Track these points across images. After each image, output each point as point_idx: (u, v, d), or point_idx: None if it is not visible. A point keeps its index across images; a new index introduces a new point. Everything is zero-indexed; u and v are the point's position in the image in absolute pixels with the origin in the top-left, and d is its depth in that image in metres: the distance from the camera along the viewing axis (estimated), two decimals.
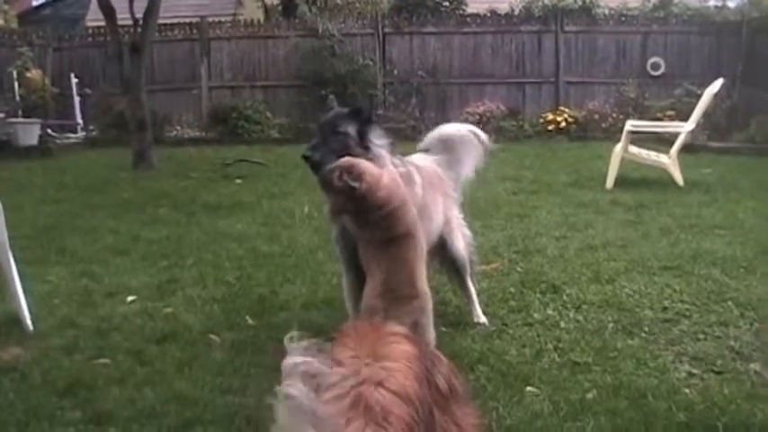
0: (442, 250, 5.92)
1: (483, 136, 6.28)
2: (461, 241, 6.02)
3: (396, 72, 20.44)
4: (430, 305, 4.69)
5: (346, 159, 4.67)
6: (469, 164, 6.19)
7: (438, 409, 2.59)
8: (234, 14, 24.54)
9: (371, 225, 4.64)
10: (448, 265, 6.07)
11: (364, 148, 4.98)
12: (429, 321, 4.63)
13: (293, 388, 2.15)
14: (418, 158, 5.84)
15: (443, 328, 5.67)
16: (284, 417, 2.12)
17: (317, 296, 6.62)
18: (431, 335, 4.63)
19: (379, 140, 5.10)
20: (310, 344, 2.34)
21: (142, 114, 15.04)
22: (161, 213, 10.41)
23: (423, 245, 4.82)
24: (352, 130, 5.01)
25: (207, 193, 11.87)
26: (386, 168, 4.92)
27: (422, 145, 6.18)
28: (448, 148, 6.12)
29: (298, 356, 2.27)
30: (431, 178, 5.65)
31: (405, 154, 5.79)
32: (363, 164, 4.64)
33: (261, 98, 20.30)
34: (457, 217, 6.07)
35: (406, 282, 4.58)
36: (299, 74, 20.21)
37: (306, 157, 5.02)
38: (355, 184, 4.48)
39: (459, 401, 2.76)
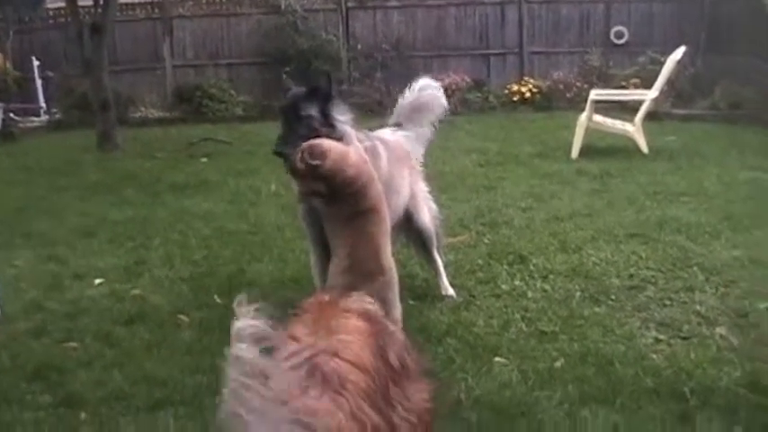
0: (408, 223, 5.94)
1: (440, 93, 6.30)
2: (427, 214, 6.04)
3: (360, 47, 20.36)
4: (395, 280, 4.71)
5: (308, 142, 4.68)
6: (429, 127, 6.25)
7: (392, 383, 2.61)
8: None
9: (338, 201, 4.65)
10: (414, 238, 6.10)
11: (330, 127, 4.98)
12: (395, 296, 4.65)
13: (243, 350, 2.17)
14: (385, 132, 5.85)
15: (411, 302, 5.71)
16: (235, 378, 2.15)
17: (285, 274, 6.65)
18: (397, 309, 4.66)
19: (342, 117, 5.10)
20: (260, 308, 2.35)
21: (105, 95, 14.91)
22: (127, 194, 10.36)
23: (387, 220, 4.84)
24: (314, 111, 5.01)
25: (173, 172, 11.81)
26: (352, 145, 4.93)
27: (392, 119, 6.19)
28: (416, 117, 6.14)
29: (247, 320, 2.29)
30: (396, 152, 5.67)
31: (372, 128, 5.80)
32: (327, 143, 4.66)
33: (225, 76, 20.16)
34: (423, 190, 6.09)
35: (370, 257, 4.60)
36: (263, 51, 20.10)
37: (278, 153, 5.03)
38: (316, 162, 4.49)
39: (411, 377, 2.78)
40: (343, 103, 5.28)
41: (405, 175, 5.74)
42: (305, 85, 5.25)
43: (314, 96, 5.06)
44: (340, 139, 4.91)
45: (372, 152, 5.22)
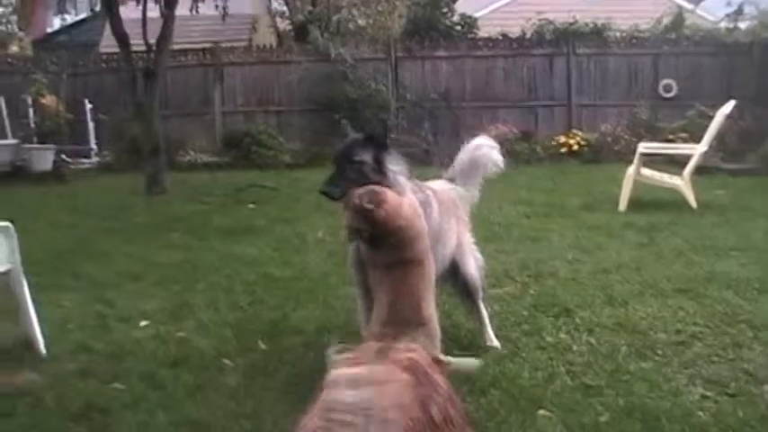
0: (454, 273, 5.91)
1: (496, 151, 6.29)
2: (473, 265, 6.01)
3: (408, 96, 20.46)
4: (436, 332, 4.68)
5: (371, 186, 4.70)
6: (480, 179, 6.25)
7: None
8: (249, 39, 24.64)
9: (383, 249, 4.65)
10: (460, 288, 6.06)
11: (381, 175, 4.97)
12: (435, 347, 4.62)
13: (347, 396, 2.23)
14: (435, 183, 5.86)
15: (456, 352, 5.66)
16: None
17: (330, 321, 6.63)
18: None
19: (395, 166, 5.09)
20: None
21: (155, 139, 15.11)
22: (174, 238, 10.44)
23: (432, 273, 4.82)
24: (368, 157, 4.98)
25: (220, 217, 11.90)
26: (405, 195, 4.93)
27: (447, 174, 6.20)
28: (470, 175, 6.14)
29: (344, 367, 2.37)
30: (446, 203, 5.67)
31: (418, 178, 5.80)
32: (386, 192, 4.66)
33: (274, 123, 20.37)
34: (469, 241, 6.07)
35: (411, 307, 4.58)
36: (312, 99, 20.25)
37: (324, 193, 5.03)
38: (371, 207, 4.51)
39: (455, 430, 2.76)
40: (398, 152, 5.27)
41: (453, 225, 5.73)
42: (361, 133, 5.26)
43: (369, 143, 5.04)
44: (391, 187, 4.91)
45: (425, 203, 5.22)
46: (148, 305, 7.26)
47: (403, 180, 5.07)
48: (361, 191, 4.63)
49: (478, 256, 6.14)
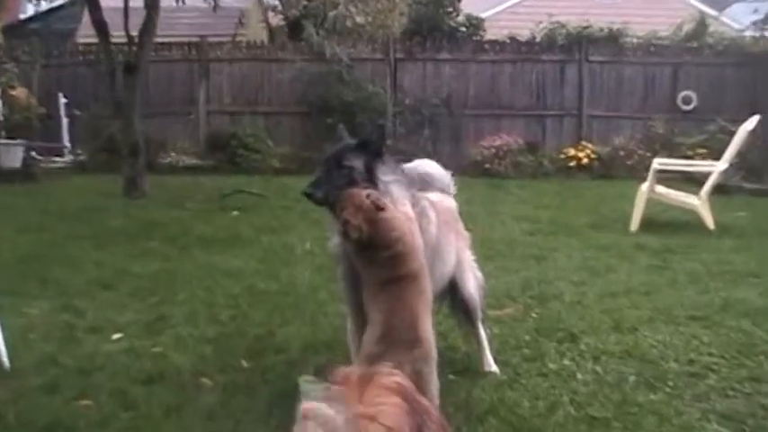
0: (451, 292, 5.91)
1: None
2: (473, 283, 6.00)
3: (407, 101, 20.48)
4: (433, 353, 4.67)
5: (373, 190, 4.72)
6: None
7: None
8: (234, 35, 24.65)
9: (375, 264, 4.66)
10: (458, 308, 6.05)
11: (372, 185, 4.94)
12: (431, 370, 4.61)
13: None
14: (433, 194, 5.85)
15: (451, 376, 5.67)
16: None
17: (317, 338, 6.63)
18: (434, 385, 4.62)
19: (390, 176, 5.07)
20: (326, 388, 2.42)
21: (135, 139, 15.09)
22: (152, 245, 10.43)
23: (428, 290, 4.81)
24: (358, 163, 4.93)
25: (202, 225, 11.90)
26: (398, 207, 4.93)
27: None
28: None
29: (316, 402, 2.35)
30: (445, 215, 5.66)
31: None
32: (384, 200, 4.68)
33: (262, 125, 20.37)
34: (469, 258, 6.07)
35: (406, 326, 4.57)
36: (304, 100, 20.26)
37: (307, 194, 5.00)
38: (382, 206, 4.55)
39: None
40: (395, 160, 5.26)
41: (452, 240, 5.73)
42: (357, 137, 5.25)
43: (362, 149, 5.00)
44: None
45: (422, 215, 5.22)
46: (122, 317, 7.26)
47: (397, 191, 5.05)
48: (368, 190, 4.65)
49: (479, 274, 6.14)
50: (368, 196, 4.58)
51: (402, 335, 4.52)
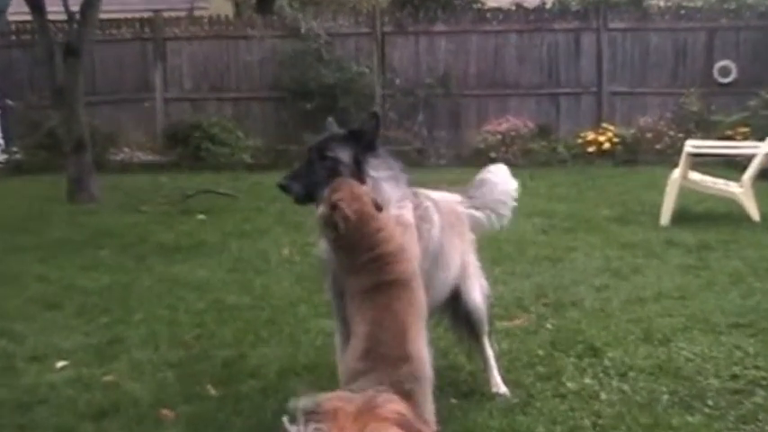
0: (454, 303, 5.90)
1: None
2: (479, 292, 6.00)
3: (398, 81, 20.47)
4: (426, 372, 4.65)
5: (349, 181, 4.72)
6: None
7: None
8: (192, 8, 24.61)
9: (358, 268, 4.65)
10: (461, 321, 6.05)
11: (357, 179, 4.91)
12: (424, 392, 4.58)
13: None
14: (436, 192, 5.84)
15: (453, 400, 5.68)
16: None
17: (298, 360, 6.63)
18: (428, 409, 4.60)
19: (382, 172, 5.04)
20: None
21: (80, 132, 15.01)
22: (103, 256, 10.43)
23: (421, 299, 4.78)
24: (345, 156, 4.96)
25: (161, 231, 11.90)
26: (390, 207, 4.91)
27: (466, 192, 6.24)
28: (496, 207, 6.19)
29: None
30: (449, 217, 5.66)
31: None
32: (362, 192, 4.68)
33: (229, 114, 20.35)
34: (474, 263, 6.06)
35: (394, 339, 4.55)
36: (278, 84, 20.23)
37: (282, 187, 4.98)
38: (381, 205, 4.56)
39: None
40: (389, 154, 5.23)
41: (456, 244, 5.72)
42: (348, 127, 5.23)
43: (351, 140, 5.04)
44: None
45: (423, 218, 5.20)
46: (68, 341, 7.25)
47: (390, 189, 5.03)
48: (341, 184, 4.65)
49: (484, 282, 6.14)
50: (367, 192, 4.60)
51: (389, 350, 4.51)
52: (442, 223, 5.43)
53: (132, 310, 8.11)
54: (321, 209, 4.63)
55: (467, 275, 5.91)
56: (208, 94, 20.76)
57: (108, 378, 6.36)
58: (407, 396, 4.27)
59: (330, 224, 4.59)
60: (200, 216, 13.07)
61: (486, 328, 6.06)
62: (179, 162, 18.83)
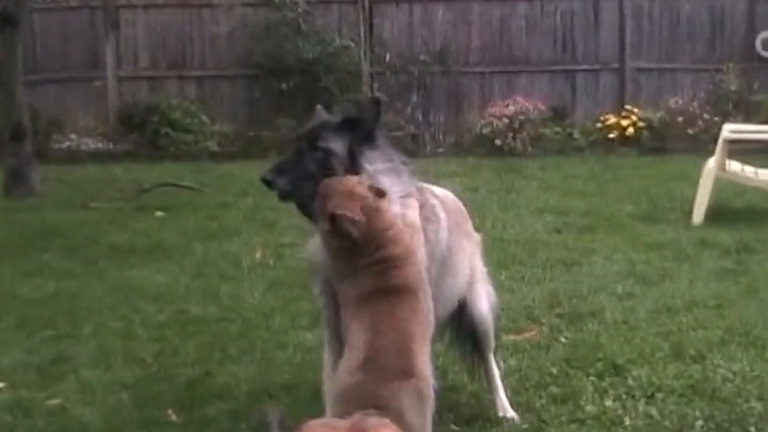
0: (458, 313, 5.87)
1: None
2: (486, 302, 5.98)
3: (388, 57, 20.45)
4: (429, 392, 4.65)
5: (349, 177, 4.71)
6: None
7: None
8: None
9: (358, 271, 4.63)
10: (464, 334, 6.03)
11: (352, 173, 4.84)
12: (425, 414, 4.58)
13: None
14: (437, 189, 5.81)
15: (454, 426, 5.69)
16: None
17: (272, 380, 6.63)
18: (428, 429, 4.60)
19: (380, 165, 4.97)
20: None
21: (18, 117, 14.99)
22: (46, 261, 10.41)
23: (428, 309, 4.75)
24: (339, 146, 4.90)
25: (114, 230, 11.90)
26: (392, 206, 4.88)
27: None
28: None
29: None
30: (456, 216, 5.65)
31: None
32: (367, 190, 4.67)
33: (193, 94, 20.33)
34: (481, 268, 6.04)
35: (395, 351, 4.53)
36: (249, 60, 20.21)
37: (265, 181, 4.91)
38: (381, 190, 4.57)
39: None
40: (391, 146, 5.22)
41: (464, 247, 5.71)
42: (343, 114, 5.18)
43: (347, 128, 4.98)
44: None
45: (430, 217, 5.17)
46: (6, 359, 7.24)
47: (388, 184, 4.97)
48: (329, 188, 4.63)
49: (491, 290, 6.13)
50: (360, 182, 4.58)
51: (389, 362, 4.48)
52: (449, 223, 5.41)
53: (81, 323, 8.09)
54: (321, 225, 4.61)
55: (473, 282, 5.90)
56: (167, 71, 20.73)
57: (52, 402, 6.35)
58: (404, 417, 4.28)
59: (339, 235, 4.57)
60: (159, 213, 13.06)
61: (492, 342, 6.05)
62: (134, 150, 18.81)
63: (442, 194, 5.65)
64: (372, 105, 5.18)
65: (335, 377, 4.65)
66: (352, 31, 20.33)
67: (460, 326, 5.98)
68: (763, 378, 6.52)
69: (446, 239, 5.32)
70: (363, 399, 4.17)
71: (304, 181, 4.81)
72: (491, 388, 6.06)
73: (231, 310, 8.46)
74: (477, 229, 6.17)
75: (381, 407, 4.06)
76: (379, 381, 4.34)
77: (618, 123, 19.18)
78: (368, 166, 4.92)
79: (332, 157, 4.89)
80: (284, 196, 4.89)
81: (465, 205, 6.01)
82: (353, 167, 4.88)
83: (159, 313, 8.38)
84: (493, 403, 6.01)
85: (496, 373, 6.08)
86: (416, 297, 4.68)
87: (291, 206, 4.91)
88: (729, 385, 6.42)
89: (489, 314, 5.97)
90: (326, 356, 5.27)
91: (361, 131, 4.98)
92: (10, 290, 9.21)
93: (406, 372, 4.49)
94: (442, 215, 5.34)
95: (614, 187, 14.58)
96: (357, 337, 4.55)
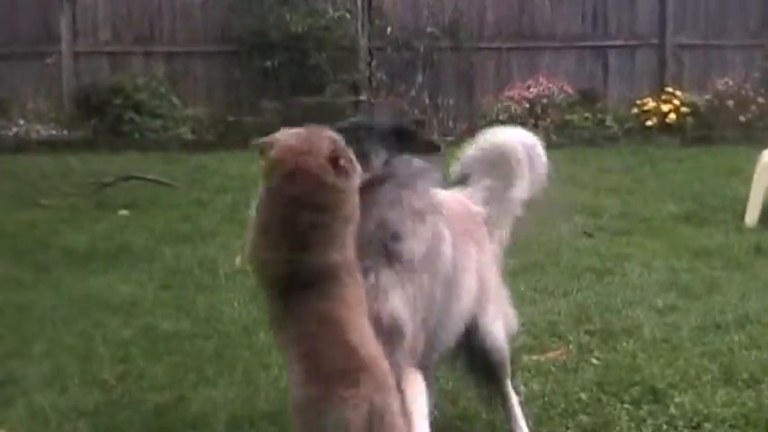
0: (469, 336, 5.81)
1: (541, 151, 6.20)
2: (500, 322, 5.94)
3: (389, 31, 20.46)
4: (389, 379, 4.62)
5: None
6: (523, 193, 6.13)
7: None
8: None
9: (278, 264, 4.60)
10: (477, 360, 6.00)
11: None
12: (390, 403, 4.55)
13: None
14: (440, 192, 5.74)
15: None
16: None
17: (254, 406, 6.64)
18: (398, 427, 4.59)
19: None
20: None
21: None
22: None
23: (360, 288, 4.69)
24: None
25: (70, 232, 11.90)
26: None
27: (458, 169, 6.15)
28: (497, 170, 6.07)
29: None
30: (460, 220, 5.59)
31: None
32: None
33: (162, 73, 20.34)
34: (496, 283, 5.99)
35: (339, 352, 4.52)
36: (228, 34, 20.23)
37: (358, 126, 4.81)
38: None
39: None
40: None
41: (472, 256, 5.68)
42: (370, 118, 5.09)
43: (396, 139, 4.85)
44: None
45: (435, 232, 5.12)
46: None
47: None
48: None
49: (510, 310, 6.09)
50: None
51: (335, 365, 4.48)
52: (454, 233, 5.38)
53: (31, 340, 8.08)
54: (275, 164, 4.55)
55: (486, 300, 5.80)
56: (132, 46, 20.78)
57: None
58: (372, 412, 4.28)
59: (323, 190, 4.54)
60: (123, 212, 13.09)
61: (509, 369, 6.02)
62: (93, 138, 18.85)
63: (447, 197, 5.58)
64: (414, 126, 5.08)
65: (290, 392, 4.65)
66: (348, 1, 20.35)
67: (473, 351, 5.86)
68: None
69: (451, 256, 5.22)
70: (315, 416, 4.19)
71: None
72: (509, 417, 6.04)
73: (207, 324, 8.46)
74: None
75: (336, 419, 4.08)
76: (333, 386, 4.34)
77: (657, 108, 19.20)
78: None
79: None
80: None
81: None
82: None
83: (123, 328, 8.37)
84: None
85: (515, 400, 6.06)
86: (341, 280, 4.65)
87: None
88: None
89: (505, 342, 5.91)
90: None
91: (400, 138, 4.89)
92: None
93: (357, 367, 4.48)
94: (445, 231, 5.21)
95: (653, 183, 14.61)
96: (295, 348, 4.56)
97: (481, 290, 5.66)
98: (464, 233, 5.48)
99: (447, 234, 5.19)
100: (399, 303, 4.74)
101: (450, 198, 5.63)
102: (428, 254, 4.92)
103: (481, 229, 5.83)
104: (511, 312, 6.04)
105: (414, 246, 4.82)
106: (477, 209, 5.85)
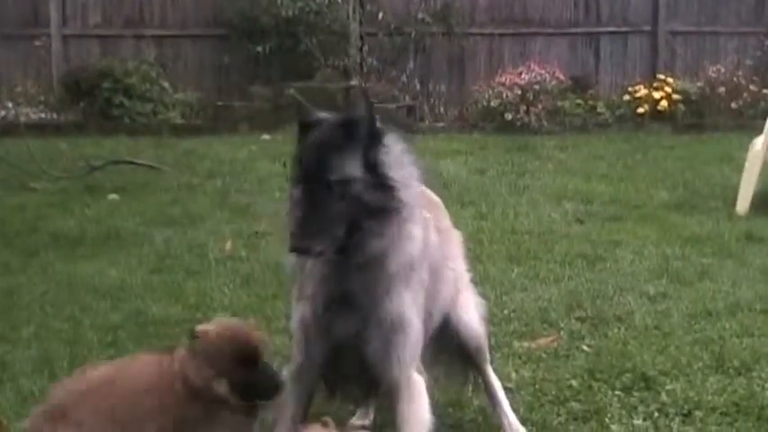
0: (442, 326, 5.77)
1: None
2: (474, 311, 5.91)
3: (381, 16, 20.44)
4: None
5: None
6: None
7: None
8: None
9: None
10: (453, 350, 5.96)
11: (382, 193, 4.60)
12: None
13: None
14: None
15: None
16: None
17: None
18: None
19: (406, 169, 4.80)
20: None
21: None
22: None
23: None
24: (355, 168, 4.57)
25: (59, 216, 11.88)
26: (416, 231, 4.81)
27: None
28: None
29: None
30: (438, 216, 5.58)
31: None
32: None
33: (153, 57, 20.31)
34: (464, 272, 5.95)
35: None
36: (219, 18, 20.20)
37: (300, 251, 4.68)
38: None
39: None
40: (397, 133, 4.83)
41: (453, 251, 5.69)
42: (338, 120, 4.85)
43: (351, 138, 4.61)
44: (397, 213, 4.66)
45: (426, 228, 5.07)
46: None
47: (414, 196, 4.81)
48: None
49: (479, 299, 6.06)
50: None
51: None
52: (435, 221, 5.36)
53: (20, 324, 8.06)
54: None
55: (458, 290, 5.81)
56: (122, 29, 20.74)
57: None
58: None
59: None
60: (113, 196, 13.06)
61: (488, 354, 5.99)
62: (83, 122, 18.80)
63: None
64: (364, 102, 4.85)
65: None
66: None
67: (448, 341, 5.84)
68: None
69: (436, 241, 5.23)
70: None
71: (336, 227, 4.53)
72: (494, 403, 6.01)
73: (197, 309, 8.42)
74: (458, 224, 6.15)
75: None
76: None
77: (649, 95, 19.18)
78: (395, 175, 4.65)
79: (353, 186, 4.55)
80: (334, 254, 4.62)
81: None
82: (378, 183, 4.60)
83: (112, 313, 8.36)
84: (500, 421, 5.99)
85: (497, 385, 6.01)
86: None
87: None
88: None
89: (481, 328, 5.89)
90: (290, 385, 5.16)
91: (369, 133, 4.64)
92: None
93: None
94: (434, 234, 5.20)
95: (645, 170, 14.60)
96: None
97: (454, 278, 5.69)
98: (437, 219, 5.48)
99: (434, 235, 5.21)
100: (407, 303, 4.79)
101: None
102: (423, 244, 4.91)
103: (447, 218, 5.85)
104: (481, 302, 6.04)
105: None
106: (437, 198, 5.80)
